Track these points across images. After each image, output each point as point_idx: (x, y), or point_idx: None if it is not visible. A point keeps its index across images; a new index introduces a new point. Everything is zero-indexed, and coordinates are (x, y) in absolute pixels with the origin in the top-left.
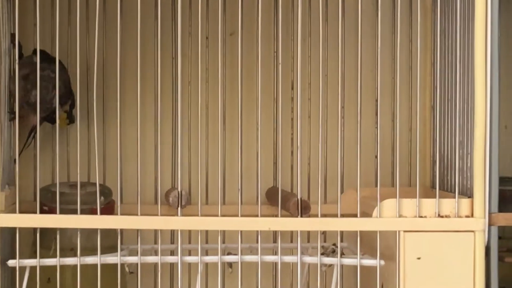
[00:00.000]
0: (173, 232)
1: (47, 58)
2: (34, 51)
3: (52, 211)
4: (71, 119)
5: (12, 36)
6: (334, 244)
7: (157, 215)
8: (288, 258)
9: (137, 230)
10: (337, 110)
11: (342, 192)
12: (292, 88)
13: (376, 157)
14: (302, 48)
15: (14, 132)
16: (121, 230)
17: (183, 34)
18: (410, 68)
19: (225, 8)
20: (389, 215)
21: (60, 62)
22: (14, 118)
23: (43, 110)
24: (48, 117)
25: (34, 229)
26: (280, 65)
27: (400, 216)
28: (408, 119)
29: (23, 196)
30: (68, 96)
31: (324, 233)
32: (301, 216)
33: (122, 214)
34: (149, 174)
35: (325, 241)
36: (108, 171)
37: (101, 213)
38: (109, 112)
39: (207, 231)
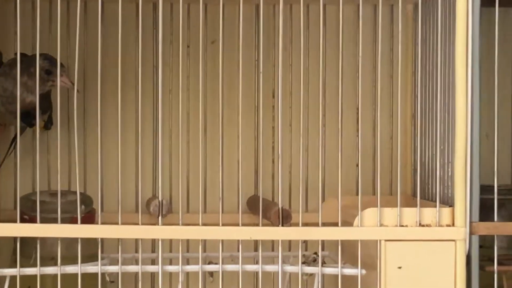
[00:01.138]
0: (154, 241)
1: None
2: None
3: (32, 220)
4: (47, 127)
5: None
6: (315, 253)
7: (138, 224)
8: (270, 267)
9: (118, 239)
10: (318, 118)
11: (323, 200)
12: (273, 96)
13: (357, 165)
14: (283, 56)
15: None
16: (102, 239)
17: (164, 42)
18: (391, 77)
19: (206, 16)
20: (370, 224)
21: None
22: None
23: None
24: (27, 121)
25: (15, 238)
26: (261, 74)
27: (381, 225)
28: (389, 128)
29: (3, 204)
30: (48, 105)
31: (305, 241)
32: (282, 225)
33: (103, 222)
34: (130, 182)
35: (306, 250)
36: (89, 180)
37: (82, 222)
38: (89, 120)
39: (188, 240)
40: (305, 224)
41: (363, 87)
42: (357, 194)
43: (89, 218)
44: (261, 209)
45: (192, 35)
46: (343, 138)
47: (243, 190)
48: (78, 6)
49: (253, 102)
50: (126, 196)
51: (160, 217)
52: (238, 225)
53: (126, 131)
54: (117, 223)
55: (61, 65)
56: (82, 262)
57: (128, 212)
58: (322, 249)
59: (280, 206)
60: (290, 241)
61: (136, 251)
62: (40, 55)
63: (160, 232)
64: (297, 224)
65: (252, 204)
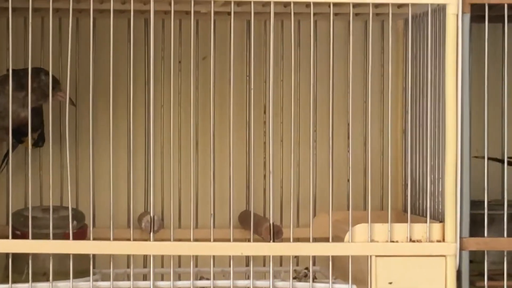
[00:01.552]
0: (146, 256)
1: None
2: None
3: (24, 235)
4: (37, 144)
5: None
6: (306, 268)
7: (130, 239)
8: (261, 283)
9: (110, 255)
10: (309, 133)
11: (314, 215)
12: (265, 112)
13: (348, 180)
14: (275, 72)
15: None
16: (94, 254)
17: (156, 58)
18: (382, 92)
19: (197, 32)
20: (361, 240)
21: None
22: None
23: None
24: (17, 137)
25: (7, 254)
26: (252, 90)
27: (372, 240)
28: (380, 143)
29: None
30: (40, 122)
31: (296, 257)
32: (274, 241)
33: (95, 238)
34: (122, 197)
35: (297, 265)
36: (81, 195)
37: (74, 238)
38: (81, 135)
39: (179, 255)
40: (296, 239)
41: (353, 103)
42: (348, 209)
43: (81, 233)
44: (253, 224)
45: (183, 50)
46: (334, 153)
47: (234, 205)
48: (70, 21)
49: (244, 118)
50: (118, 211)
51: (152, 233)
52: (229, 240)
53: (118, 146)
54: (109, 239)
55: (57, 80)
56: (74, 277)
57: (120, 227)
58: (313, 264)
59: (271, 221)
60: (281, 256)
61: (128, 266)
62: (41, 70)
63: (152, 248)
64: (288, 240)
65: (243, 219)
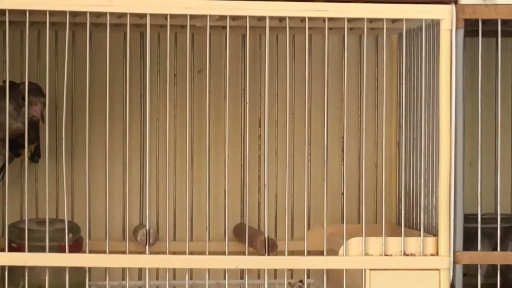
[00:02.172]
0: (141, 268)
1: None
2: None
3: (20, 248)
4: (33, 159)
5: None
6: (300, 281)
7: (125, 252)
8: None
9: (105, 268)
10: (304, 147)
11: (308, 228)
12: (260, 126)
13: (342, 194)
14: (269, 86)
15: None
16: (89, 267)
17: (152, 71)
18: (376, 106)
19: (193, 45)
20: (355, 253)
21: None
22: None
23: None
24: (13, 150)
25: (2, 266)
26: (247, 103)
27: (366, 254)
28: (374, 156)
29: None
30: (35, 136)
31: (291, 269)
32: (268, 255)
33: (90, 250)
34: (117, 210)
35: (292, 277)
36: (76, 208)
37: (70, 250)
38: (77, 148)
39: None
40: (291, 252)
41: (348, 116)
42: (342, 222)
43: (76, 246)
44: (247, 237)
45: (179, 64)
46: (328, 167)
47: (229, 218)
48: (66, 35)
49: (239, 131)
50: (113, 223)
51: (147, 246)
52: (224, 253)
53: (114, 159)
54: (104, 251)
55: (41, 94)
56: None
57: (115, 239)
58: (308, 277)
59: (266, 235)
60: (275, 269)
61: (123, 279)
62: (21, 83)
63: (148, 261)
64: (283, 253)
65: (238, 232)
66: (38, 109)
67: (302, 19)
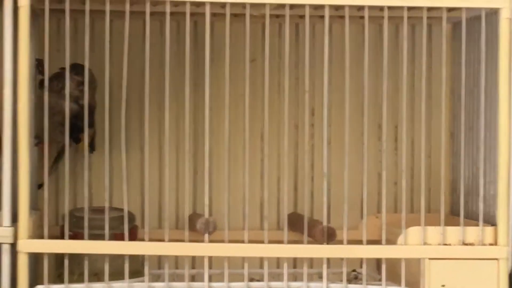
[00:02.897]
0: (194, 257)
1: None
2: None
3: (76, 236)
4: (92, 147)
5: (38, 61)
6: (354, 270)
7: (180, 240)
8: (315, 285)
9: (165, 256)
10: (358, 136)
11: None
12: (313, 114)
13: (396, 183)
14: (323, 75)
15: (41, 157)
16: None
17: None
18: (430, 95)
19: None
20: (414, 243)
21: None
22: (39, 143)
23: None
24: (73, 136)
25: (57, 254)
26: (307, 92)
27: (425, 243)
28: (428, 145)
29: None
30: (91, 122)
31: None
32: (327, 243)
33: (143, 239)
34: (171, 199)
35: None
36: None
37: (121, 238)
38: (130, 137)
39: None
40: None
41: (402, 105)
42: (396, 212)
43: (132, 234)
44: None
45: (234, 52)
46: (381, 156)
47: (282, 207)
48: (126, 25)
49: (293, 120)
50: (166, 212)
51: (206, 235)
52: (280, 242)
53: (179, 148)
54: (159, 240)
55: (93, 80)
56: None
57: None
58: (360, 266)
59: (324, 223)
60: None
61: (177, 267)
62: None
63: (207, 249)
64: (339, 242)
65: (292, 221)
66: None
67: (359, 8)
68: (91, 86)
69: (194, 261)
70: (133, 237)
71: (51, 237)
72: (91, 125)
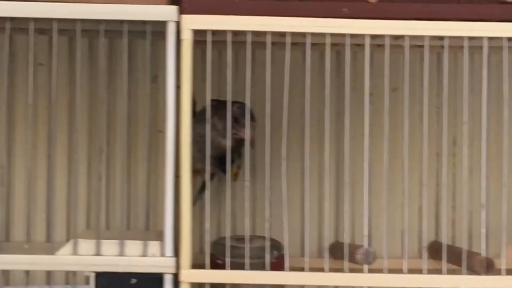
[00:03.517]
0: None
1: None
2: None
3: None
4: (236, 177)
5: None
6: None
7: (322, 269)
8: None
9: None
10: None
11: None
12: (454, 144)
13: None
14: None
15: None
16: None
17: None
18: None
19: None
20: None
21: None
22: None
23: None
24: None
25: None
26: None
27: None
28: None
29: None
30: (239, 156)
31: None
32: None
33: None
34: (312, 225)
35: None
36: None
37: (273, 268)
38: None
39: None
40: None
41: None
42: None
43: (279, 263)
44: (453, 256)
45: (374, 84)
46: None
47: (418, 234)
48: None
49: (434, 150)
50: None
51: (366, 266)
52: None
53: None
54: (301, 269)
55: (253, 118)
56: None
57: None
58: None
59: (483, 254)
60: None
61: None
62: (234, 102)
63: (367, 280)
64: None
65: (432, 250)
66: (248, 133)
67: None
68: (250, 126)
69: None
70: (280, 266)
71: (195, 265)
72: (239, 157)
